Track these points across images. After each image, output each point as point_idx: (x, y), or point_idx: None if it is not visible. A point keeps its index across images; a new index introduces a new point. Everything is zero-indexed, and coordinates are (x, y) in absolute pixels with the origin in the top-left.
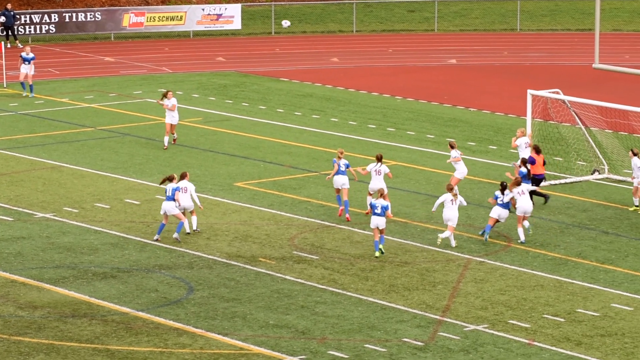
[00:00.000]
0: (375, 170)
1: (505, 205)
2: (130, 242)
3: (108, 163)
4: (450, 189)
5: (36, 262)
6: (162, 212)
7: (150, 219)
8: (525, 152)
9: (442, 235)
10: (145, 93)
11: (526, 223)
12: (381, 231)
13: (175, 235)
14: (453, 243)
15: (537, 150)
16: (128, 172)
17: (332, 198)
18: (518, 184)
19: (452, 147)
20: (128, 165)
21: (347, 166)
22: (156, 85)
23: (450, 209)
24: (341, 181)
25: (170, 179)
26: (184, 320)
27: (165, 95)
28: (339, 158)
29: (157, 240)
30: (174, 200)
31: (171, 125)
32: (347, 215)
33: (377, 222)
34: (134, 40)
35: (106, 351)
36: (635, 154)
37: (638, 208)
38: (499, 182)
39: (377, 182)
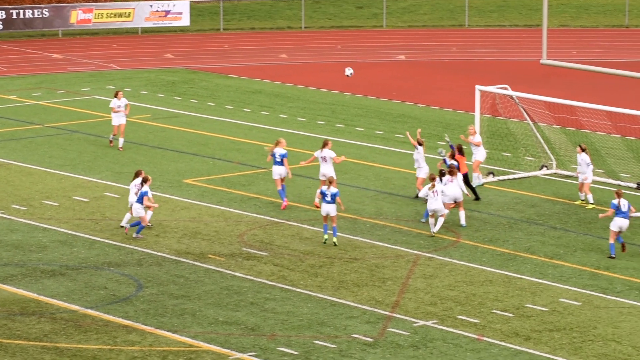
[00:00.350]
0: (322, 157)
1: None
2: (78, 240)
3: (56, 160)
4: (432, 179)
5: None
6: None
7: (98, 216)
8: (476, 150)
9: (434, 230)
10: (93, 90)
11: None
12: (332, 219)
13: (135, 235)
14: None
15: (460, 150)
16: (76, 170)
17: None
18: (453, 173)
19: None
20: (76, 163)
21: (283, 156)
22: (104, 82)
23: (434, 200)
24: (278, 171)
25: (144, 180)
26: (133, 317)
27: (115, 95)
28: (275, 146)
29: (136, 238)
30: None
31: (119, 126)
32: (285, 200)
33: (328, 209)
34: (82, 37)
35: (55, 349)
36: (583, 150)
37: (583, 202)
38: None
39: (324, 168)
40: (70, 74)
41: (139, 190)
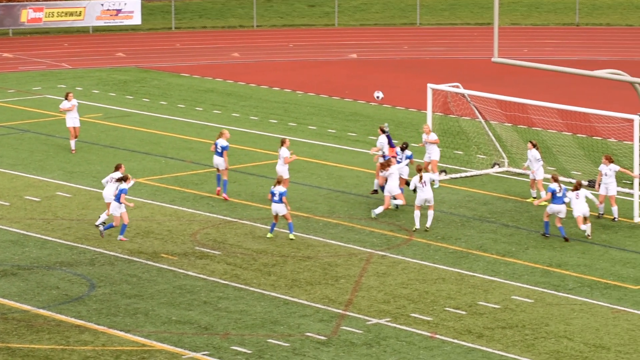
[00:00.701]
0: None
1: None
2: (30, 239)
3: (7, 160)
4: (418, 170)
5: None
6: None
7: (50, 215)
8: (431, 149)
9: (427, 225)
10: (44, 89)
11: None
12: (286, 217)
13: (120, 237)
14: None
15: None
16: (28, 169)
17: (233, 193)
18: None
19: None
20: (28, 162)
21: (224, 149)
22: (55, 81)
23: (423, 191)
24: (216, 162)
25: (124, 179)
26: (86, 317)
27: (65, 97)
28: (219, 137)
29: (118, 239)
30: (120, 202)
31: (74, 127)
32: (225, 195)
33: (276, 208)
34: (33, 36)
35: (7, 349)
36: (534, 145)
37: (535, 199)
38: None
39: (278, 167)
40: (21, 73)
41: (116, 186)
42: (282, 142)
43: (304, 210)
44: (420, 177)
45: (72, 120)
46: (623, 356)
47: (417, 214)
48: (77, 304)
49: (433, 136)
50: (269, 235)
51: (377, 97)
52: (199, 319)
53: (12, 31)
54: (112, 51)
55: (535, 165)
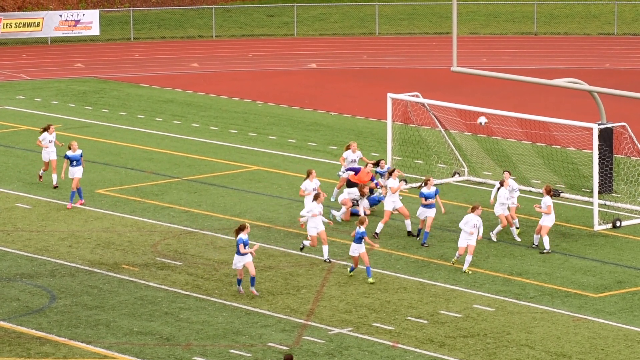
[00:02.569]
0: None
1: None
2: None
3: None
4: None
5: None
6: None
7: (10, 227)
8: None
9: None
10: (3, 100)
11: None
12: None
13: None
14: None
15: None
16: None
17: (194, 204)
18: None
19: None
20: None
21: (74, 158)
22: (14, 92)
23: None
24: (72, 172)
25: (242, 228)
26: (47, 329)
27: (46, 129)
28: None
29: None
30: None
31: (49, 162)
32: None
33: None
34: None
35: None
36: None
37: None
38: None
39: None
40: None
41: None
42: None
43: (264, 220)
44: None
45: (49, 154)
46: None
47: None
48: (37, 316)
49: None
50: (351, 274)
51: (481, 122)
52: (161, 330)
53: None
54: (71, 62)
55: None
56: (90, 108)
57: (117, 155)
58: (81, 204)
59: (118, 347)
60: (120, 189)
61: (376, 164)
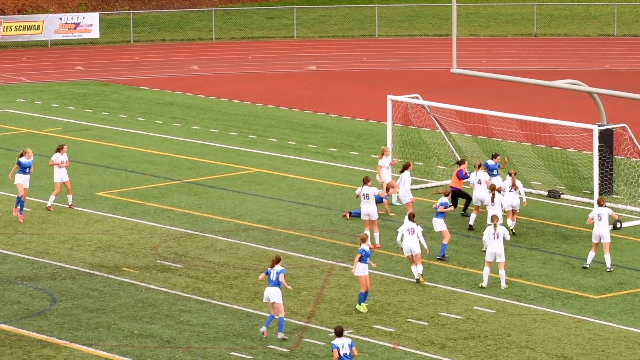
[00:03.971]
0: (363, 195)
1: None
2: None
3: None
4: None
5: None
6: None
7: (10, 230)
8: (386, 173)
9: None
10: (3, 103)
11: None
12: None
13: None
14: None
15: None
16: None
17: (194, 206)
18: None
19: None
20: None
21: (26, 165)
22: (14, 95)
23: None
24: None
25: (277, 261)
26: (48, 331)
27: (59, 150)
28: (20, 156)
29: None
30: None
31: (63, 183)
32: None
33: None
34: None
35: None
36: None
37: (512, 229)
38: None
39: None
40: None
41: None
42: (366, 181)
43: (265, 223)
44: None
45: (61, 174)
46: None
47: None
48: (38, 319)
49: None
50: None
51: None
52: (161, 333)
53: None
54: (71, 65)
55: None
56: (90, 111)
57: (117, 157)
58: (20, 219)
59: (119, 350)
60: (121, 191)
61: (460, 163)
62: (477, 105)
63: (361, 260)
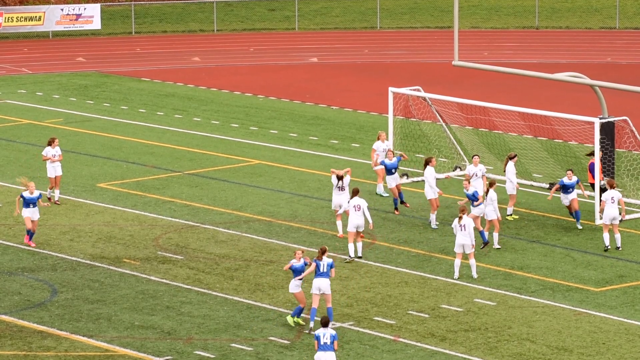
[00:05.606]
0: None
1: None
2: None
3: None
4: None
5: None
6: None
7: (12, 221)
8: (381, 158)
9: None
10: (4, 94)
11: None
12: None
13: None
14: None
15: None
16: None
17: (195, 198)
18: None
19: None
20: None
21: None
22: (15, 86)
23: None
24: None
25: (323, 252)
26: (48, 322)
27: (50, 143)
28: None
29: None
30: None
31: (55, 177)
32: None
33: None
34: None
35: None
36: (511, 158)
37: (511, 216)
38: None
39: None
40: None
41: None
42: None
43: (266, 215)
44: (460, 218)
45: (54, 169)
46: (585, 358)
47: (457, 262)
48: (39, 310)
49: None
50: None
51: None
52: (162, 324)
53: None
54: (72, 56)
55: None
56: (91, 102)
57: (118, 149)
58: (30, 244)
59: (119, 341)
60: (122, 182)
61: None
62: (479, 98)
63: (295, 275)
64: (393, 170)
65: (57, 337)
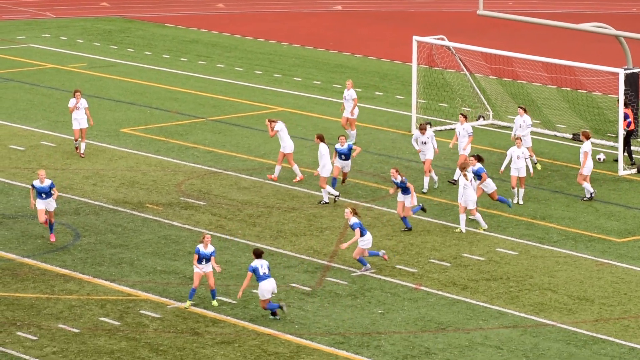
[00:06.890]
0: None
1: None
2: (15, 189)
3: None
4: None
5: None
6: None
7: (35, 165)
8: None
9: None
10: (28, 38)
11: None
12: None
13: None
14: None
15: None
16: (12, 118)
17: (218, 144)
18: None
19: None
20: (12, 111)
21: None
22: (40, 30)
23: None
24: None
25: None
26: (71, 266)
27: (74, 95)
28: None
29: None
30: None
31: (80, 130)
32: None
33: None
34: None
35: None
36: (525, 111)
37: (537, 164)
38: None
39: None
40: (5, 22)
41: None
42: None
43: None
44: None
45: (79, 121)
46: (607, 308)
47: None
48: (62, 253)
49: (353, 93)
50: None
51: (600, 159)
52: (184, 269)
53: None
54: (97, 1)
55: (526, 131)
56: (115, 47)
57: (141, 94)
58: (51, 238)
59: (141, 286)
60: (145, 128)
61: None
62: (503, 48)
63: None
64: (343, 157)
65: (80, 280)
